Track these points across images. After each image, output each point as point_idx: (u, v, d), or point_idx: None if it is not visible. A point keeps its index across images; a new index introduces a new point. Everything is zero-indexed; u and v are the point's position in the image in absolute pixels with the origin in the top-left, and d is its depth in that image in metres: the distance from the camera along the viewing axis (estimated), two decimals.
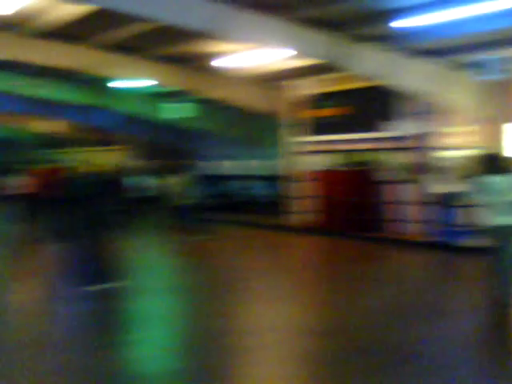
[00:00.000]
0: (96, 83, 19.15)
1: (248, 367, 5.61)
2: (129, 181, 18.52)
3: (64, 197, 9.37)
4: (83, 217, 8.84)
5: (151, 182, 19.24)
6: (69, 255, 8.89)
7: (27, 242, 14.10)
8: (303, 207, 17.07)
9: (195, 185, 15.92)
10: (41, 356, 5.77)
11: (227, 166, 22.43)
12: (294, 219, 17.17)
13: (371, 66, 12.75)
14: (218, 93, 17.81)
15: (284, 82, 17.62)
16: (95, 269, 8.73)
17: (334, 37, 12.14)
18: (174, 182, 15.96)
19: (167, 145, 24.51)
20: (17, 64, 16.29)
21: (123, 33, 13.59)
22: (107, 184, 9.24)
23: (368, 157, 15.74)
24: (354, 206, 15.30)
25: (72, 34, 14.00)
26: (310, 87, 17.25)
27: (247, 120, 20.39)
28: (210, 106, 21.29)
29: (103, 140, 27.21)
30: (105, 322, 7.26)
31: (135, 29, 13.12)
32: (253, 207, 20.31)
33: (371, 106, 15.59)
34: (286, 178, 17.96)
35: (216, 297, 8.50)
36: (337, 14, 11.39)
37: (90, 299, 8.32)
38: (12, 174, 21.01)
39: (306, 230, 16.17)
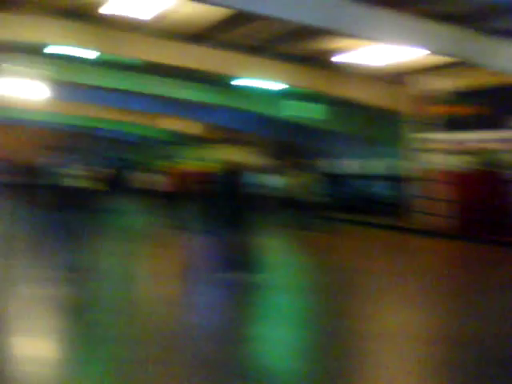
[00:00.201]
0: (223, 83, 19.63)
1: (372, 372, 5.51)
2: (254, 178, 18.87)
3: (201, 193, 9.86)
4: (219, 211, 9.28)
5: (275, 180, 19.49)
6: (207, 246, 9.28)
7: (168, 235, 14.75)
8: (428, 208, 16.60)
9: (316, 183, 15.95)
10: (176, 346, 5.93)
11: (348, 165, 22.26)
12: (418, 221, 16.74)
13: (505, 61, 12.18)
14: (340, 91, 17.70)
15: (409, 78, 17.22)
16: (231, 259, 9.11)
17: (465, 32, 11.71)
18: (296, 180, 16.08)
19: (291, 143, 24.70)
20: (150, 65, 17.03)
21: (250, 33, 13.85)
22: (237, 181, 9.60)
23: (500, 157, 15.05)
24: (485, 209, 14.68)
25: (201, 35, 14.43)
26: (438, 83, 16.74)
27: (370, 118, 20.13)
28: (333, 104, 21.22)
29: (231, 139, 27.86)
30: (236, 314, 7.42)
31: (261, 28, 13.32)
32: (373, 207, 20.02)
33: (504, 103, 14.90)
34: (410, 178, 17.54)
35: (338, 297, 8.46)
36: (467, 7, 10.99)
37: (225, 288, 8.61)
38: (145, 171, 22.09)
39: (430, 232, 15.71)
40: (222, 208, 9.30)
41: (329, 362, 5.64)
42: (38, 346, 5.92)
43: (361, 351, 6.01)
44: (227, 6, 10.47)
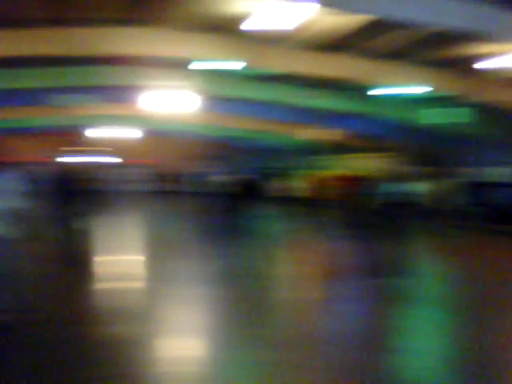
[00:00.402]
0: (361, 91, 19.56)
1: None
2: (394, 186, 18.62)
3: (341, 199, 9.99)
4: (360, 218, 9.35)
5: (415, 188, 19.15)
6: (349, 251, 9.33)
7: (310, 240, 14.95)
8: None
9: (459, 191, 15.46)
10: (321, 353, 5.93)
11: (495, 172, 21.26)
12: None
13: None
14: (486, 96, 17.04)
15: None
16: (374, 265, 9.13)
17: None
18: (437, 188, 15.68)
19: (432, 150, 24.07)
20: (290, 75, 17.34)
21: (390, 40, 13.72)
22: (376, 188, 9.60)
23: None
24: None
25: (341, 44, 14.48)
26: None
27: None
28: (475, 109, 20.44)
29: (370, 146, 27.63)
30: (381, 322, 7.25)
31: (402, 34, 13.16)
32: None
33: None
34: None
35: (482, 308, 8.15)
36: None
37: (371, 294, 8.58)
38: (286, 179, 22.52)
39: None
40: (363, 214, 9.34)
41: (479, 375, 5.46)
42: (190, 345, 6.17)
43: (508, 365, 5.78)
44: (368, 14, 10.48)
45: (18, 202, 6.37)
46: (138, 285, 9.17)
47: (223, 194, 18.23)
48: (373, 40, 13.94)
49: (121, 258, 11.67)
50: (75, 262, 10.53)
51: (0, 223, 6.20)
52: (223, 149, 36.49)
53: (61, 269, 10.01)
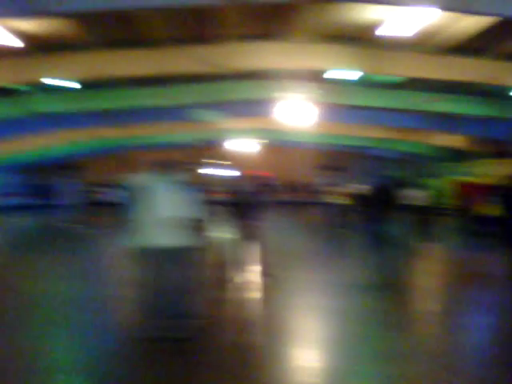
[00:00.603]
0: (498, 94, 18.90)
1: None
2: None
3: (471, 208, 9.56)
4: (494, 227, 9.04)
5: None
6: (485, 260, 8.95)
7: (434, 249, 14.62)
8: None
9: None
10: (449, 367, 5.74)
11: None
12: None
13: None
14: None
15: None
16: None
17: None
18: None
19: None
20: (415, 81, 17.17)
21: None
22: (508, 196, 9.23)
23: None
24: None
25: (473, 47, 14.16)
26: None
27: None
28: None
29: (504, 151, 26.56)
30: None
31: None
32: None
33: None
34: None
35: None
36: None
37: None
38: (412, 187, 22.19)
39: None
40: (495, 223, 9.01)
41: None
42: (311, 356, 6.24)
43: None
44: (491, 15, 10.28)
45: (197, 212, 6.66)
46: (276, 295, 9.22)
47: (349, 204, 18.29)
48: (501, 41, 13.58)
49: (257, 269, 11.95)
50: (225, 271, 10.90)
51: (180, 233, 6.49)
52: (348, 159, 36.37)
53: (208, 277, 10.42)
